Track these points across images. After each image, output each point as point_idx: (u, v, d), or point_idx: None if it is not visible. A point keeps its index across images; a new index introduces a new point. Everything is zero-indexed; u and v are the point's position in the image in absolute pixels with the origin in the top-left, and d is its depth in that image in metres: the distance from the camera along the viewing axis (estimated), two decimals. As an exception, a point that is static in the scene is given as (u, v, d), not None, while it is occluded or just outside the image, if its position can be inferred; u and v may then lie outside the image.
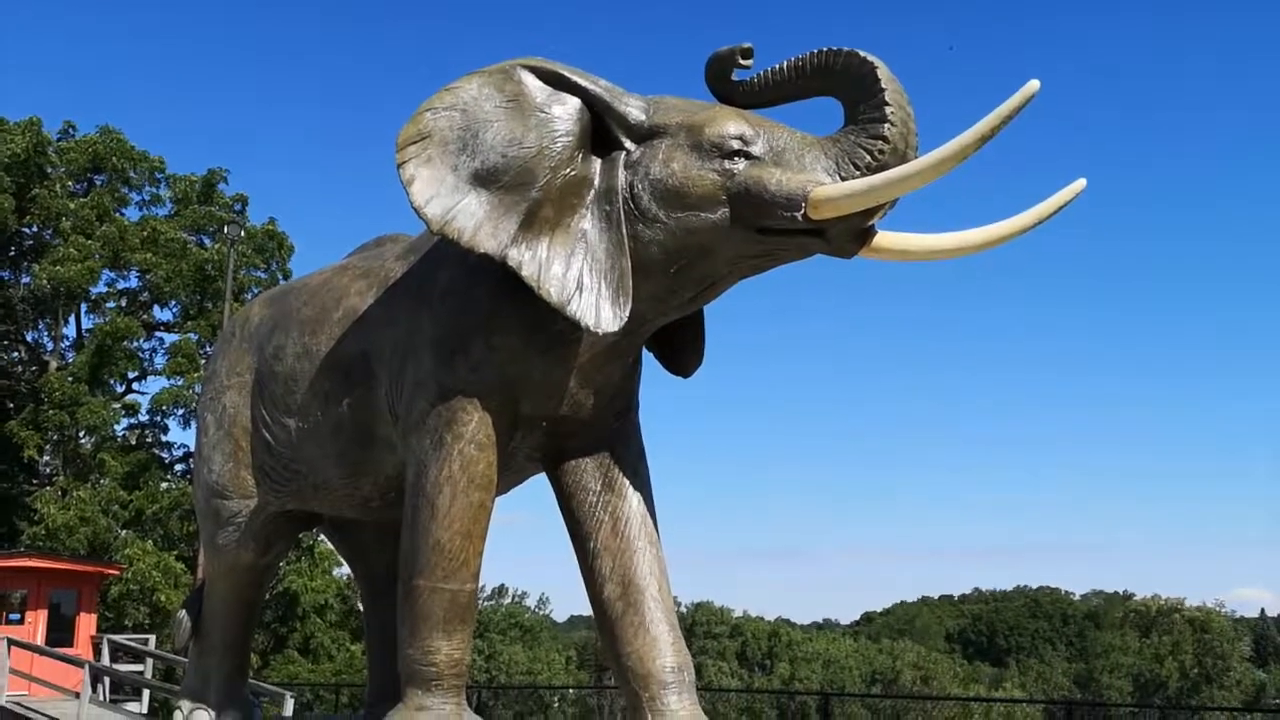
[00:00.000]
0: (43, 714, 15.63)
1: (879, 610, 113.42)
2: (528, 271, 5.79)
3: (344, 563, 37.67)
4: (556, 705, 33.85)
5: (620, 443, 6.56)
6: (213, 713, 7.58)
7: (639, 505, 6.41)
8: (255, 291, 35.71)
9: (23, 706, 16.13)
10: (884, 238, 5.80)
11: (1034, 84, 5.20)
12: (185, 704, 7.74)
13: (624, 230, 5.83)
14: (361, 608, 8.35)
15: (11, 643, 16.79)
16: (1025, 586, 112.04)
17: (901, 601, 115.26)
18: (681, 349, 6.76)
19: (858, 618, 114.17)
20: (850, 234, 5.66)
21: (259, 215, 41.78)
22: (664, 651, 6.03)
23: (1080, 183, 5.74)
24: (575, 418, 6.39)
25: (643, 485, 6.51)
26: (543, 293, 5.76)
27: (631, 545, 6.26)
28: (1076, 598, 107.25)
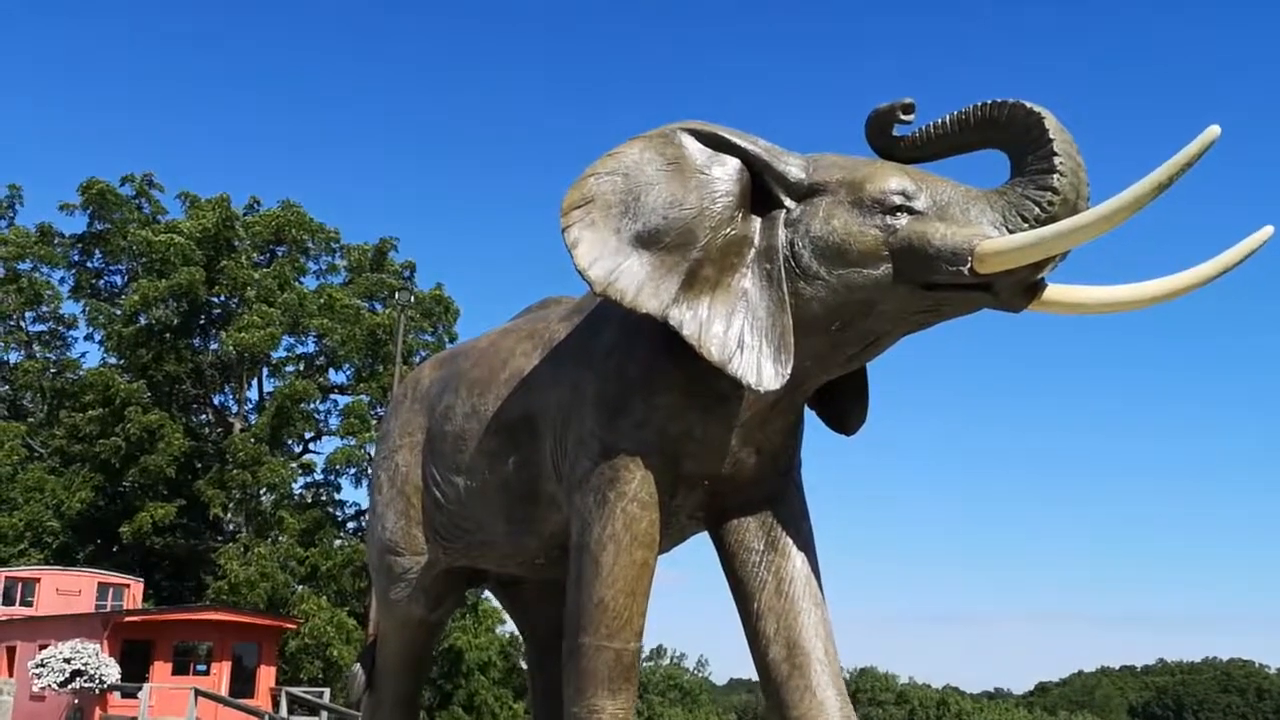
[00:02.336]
0: (225, 762, 16.29)
1: (1055, 680, 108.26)
2: (689, 330, 5.83)
3: (507, 620, 38.29)
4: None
5: (783, 502, 6.49)
6: (385, 765, 7.75)
7: (803, 565, 6.31)
8: (423, 354, 37.02)
9: (207, 755, 16.85)
10: (1054, 291, 5.64)
11: (1214, 130, 5.00)
12: (359, 756, 7.95)
13: (785, 288, 5.82)
14: (525, 665, 8.45)
15: (199, 693, 17.58)
16: (1215, 658, 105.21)
17: (1079, 671, 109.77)
18: (844, 406, 6.69)
19: (1031, 688, 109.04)
20: (1019, 288, 5.52)
21: (426, 281, 43.44)
22: (832, 715, 5.89)
23: (1267, 230, 5.46)
24: (737, 476, 6.36)
25: (806, 545, 6.41)
26: (704, 351, 5.79)
27: (796, 606, 6.16)
28: (1273, 671, 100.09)
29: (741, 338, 5.82)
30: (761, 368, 5.74)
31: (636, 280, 5.94)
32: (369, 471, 36.92)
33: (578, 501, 6.37)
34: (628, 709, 6.27)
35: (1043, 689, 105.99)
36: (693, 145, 6.15)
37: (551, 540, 6.93)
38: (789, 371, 5.73)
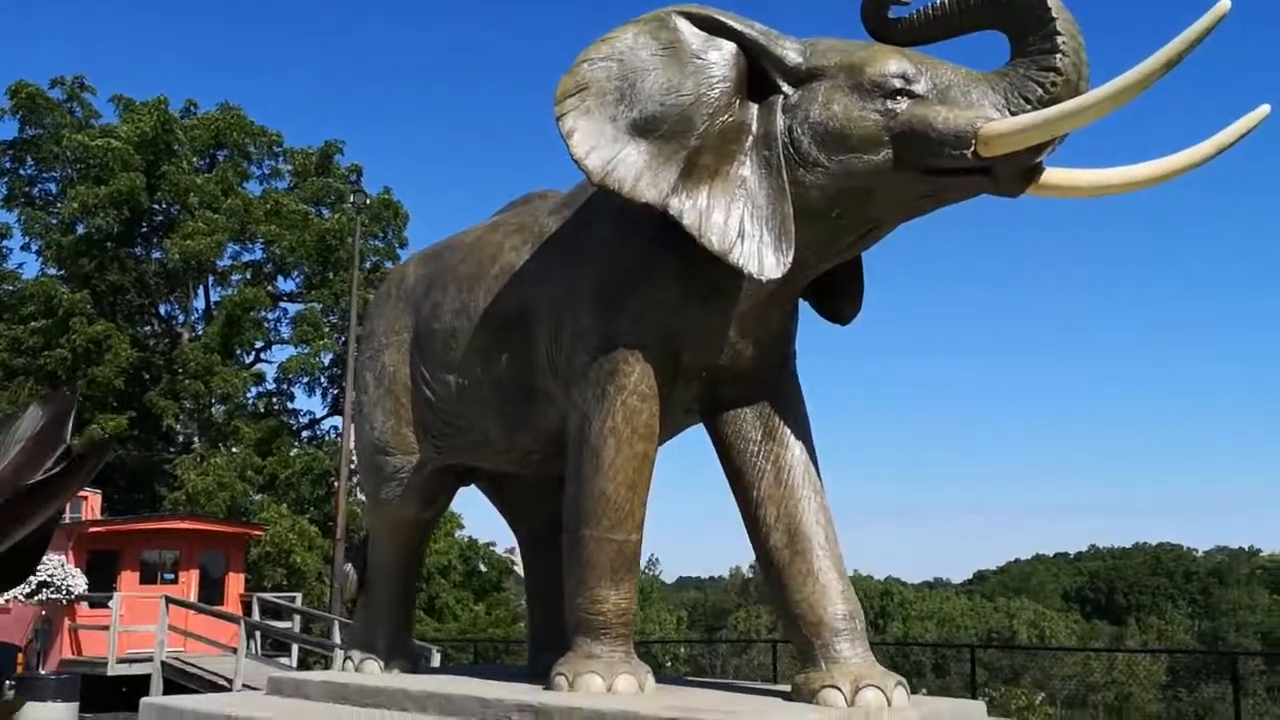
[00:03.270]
0: (202, 668, 16.36)
1: (992, 569, 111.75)
2: (689, 220, 5.77)
3: (466, 524, 38.38)
4: (669, 664, 34.18)
5: (779, 391, 6.52)
6: (382, 662, 7.81)
7: (801, 453, 6.37)
8: (373, 260, 36.53)
9: (182, 661, 16.90)
10: (1052, 174, 5.64)
11: (1225, 4, 4.96)
12: (355, 654, 7.99)
13: (784, 175, 5.77)
14: (519, 561, 8.51)
15: (169, 600, 17.57)
16: (1145, 543, 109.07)
17: (1016, 560, 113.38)
18: (839, 295, 6.70)
19: (970, 576, 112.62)
20: (1017, 172, 5.51)
21: (374, 185, 42.66)
22: (834, 599, 6.00)
23: (1264, 109, 5.47)
24: (735, 368, 6.38)
25: (804, 433, 6.47)
26: (704, 241, 5.74)
27: (796, 493, 6.23)
28: (1200, 554, 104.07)
29: (742, 226, 5.77)
30: (763, 256, 5.71)
31: (634, 169, 5.86)
32: (324, 380, 36.70)
33: (575, 396, 6.36)
34: (630, 599, 6.35)
35: (980, 577, 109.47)
36: (688, 29, 6.02)
37: (547, 436, 6.92)
38: (790, 260, 5.71)
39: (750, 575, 61.99)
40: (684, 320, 6.19)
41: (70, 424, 1.62)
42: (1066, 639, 59.48)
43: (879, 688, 5.67)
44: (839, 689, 5.68)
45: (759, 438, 6.39)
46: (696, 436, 7.07)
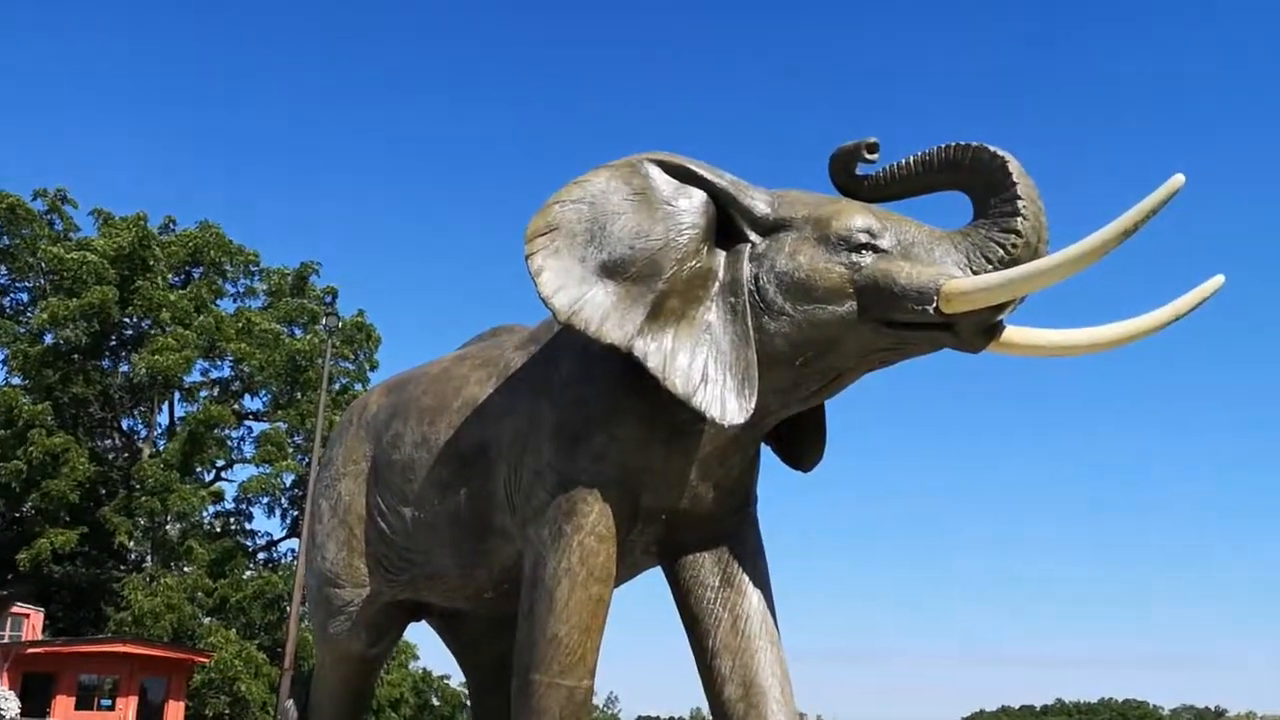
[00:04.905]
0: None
1: (958, 719, 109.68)
2: (653, 363, 5.79)
3: (421, 656, 37.42)
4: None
5: (739, 538, 6.46)
6: (319, 805, 7.48)
7: (759, 603, 6.27)
8: (343, 382, 36.40)
9: (111, 794, 16.16)
10: (1013, 333, 5.72)
11: (1179, 178, 5.13)
12: (292, 795, 7.66)
13: (749, 322, 5.83)
14: (468, 701, 8.23)
15: (103, 729, 16.88)
16: (1112, 699, 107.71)
17: (980, 711, 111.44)
18: (801, 443, 6.69)
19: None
20: (979, 328, 5.59)
21: (348, 308, 42.80)
22: (788, 756, 5.84)
23: (1218, 279, 5.61)
24: (694, 511, 6.32)
25: (762, 582, 6.38)
26: (668, 384, 5.75)
27: (753, 644, 6.11)
28: (1166, 712, 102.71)
29: (706, 371, 5.80)
30: (726, 402, 5.72)
31: (601, 310, 5.89)
32: (285, 501, 36.12)
33: (532, 534, 6.26)
34: (580, 748, 6.14)
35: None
36: (659, 176, 6.14)
37: (502, 574, 6.79)
38: (753, 406, 5.72)
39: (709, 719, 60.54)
40: (646, 460, 6.15)
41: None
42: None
43: None
44: None
45: (717, 584, 6.29)
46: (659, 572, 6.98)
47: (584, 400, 6.26)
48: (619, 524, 6.15)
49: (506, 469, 6.55)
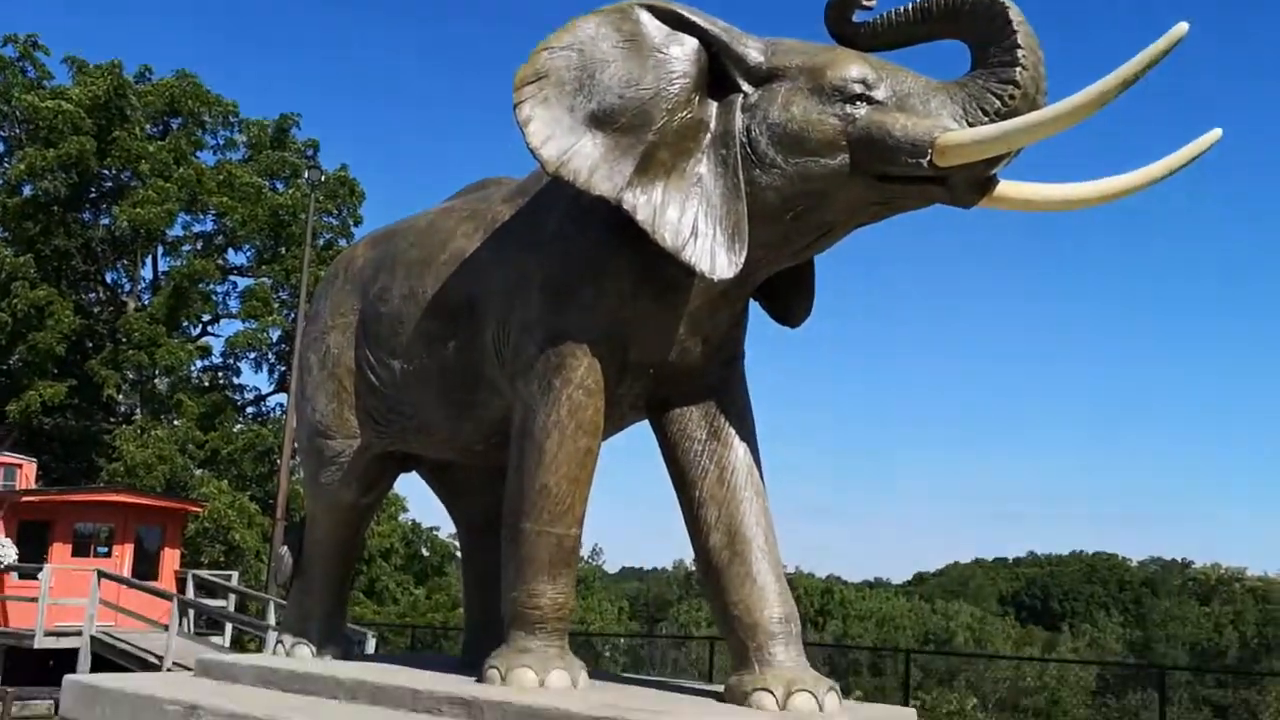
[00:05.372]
0: (132, 644, 16.09)
1: (932, 571, 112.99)
2: (642, 216, 5.74)
3: (410, 508, 38.14)
4: (608, 654, 34.23)
5: (726, 392, 6.51)
6: (314, 648, 7.70)
7: (745, 455, 6.36)
8: (326, 238, 36.11)
9: (112, 636, 16.62)
10: (1007, 187, 5.67)
11: (1182, 26, 5.00)
12: (287, 638, 7.87)
13: (740, 175, 5.75)
14: (459, 552, 8.40)
15: (101, 574, 17.26)
16: (1081, 551, 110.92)
17: (955, 563, 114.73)
18: (790, 298, 6.69)
19: (910, 577, 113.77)
20: (972, 183, 5.54)
21: (330, 162, 42.14)
22: (771, 602, 6.00)
23: (1215, 133, 5.54)
24: (682, 365, 6.35)
25: (749, 435, 6.46)
26: (657, 237, 5.71)
27: (738, 495, 6.22)
28: (1134, 564, 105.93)
29: (695, 224, 5.75)
30: (715, 255, 5.69)
31: (590, 161, 5.81)
32: (272, 357, 36.24)
33: (521, 388, 6.30)
34: (567, 594, 6.31)
35: (920, 579, 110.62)
36: (651, 22, 5.97)
37: (491, 427, 6.85)
38: (742, 260, 5.69)
39: (693, 569, 62.28)
40: (635, 314, 6.15)
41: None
42: (1003, 643, 60.33)
43: (811, 693, 5.68)
44: (771, 692, 5.68)
45: (704, 437, 6.36)
46: (644, 427, 7.06)
47: (572, 253, 6.22)
48: (607, 378, 6.19)
49: (495, 323, 6.55)
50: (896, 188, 5.65)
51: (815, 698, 5.65)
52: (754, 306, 6.75)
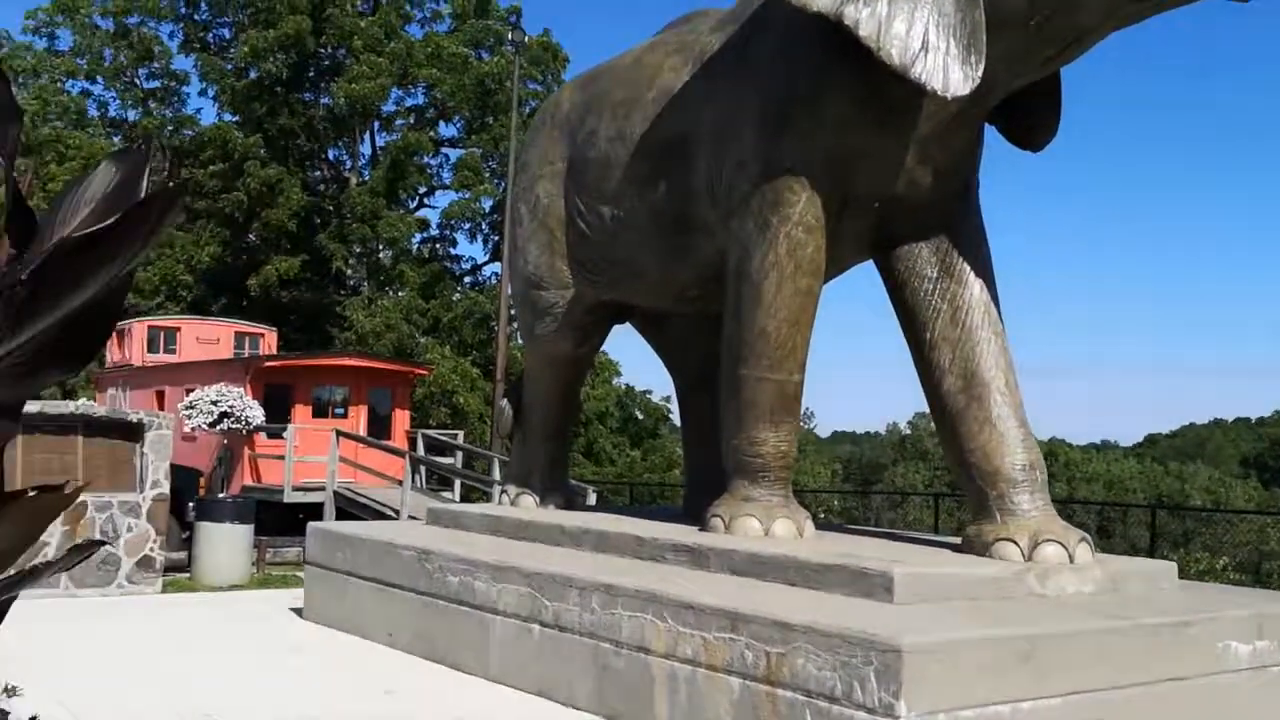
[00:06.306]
0: (370, 498, 17.02)
1: (1165, 432, 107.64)
2: (865, 31, 5.22)
3: (624, 372, 38.65)
4: (822, 515, 34.20)
5: (959, 224, 5.99)
6: (537, 497, 7.80)
7: (981, 292, 5.87)
8: (532, 105, 36.27)
9: (352, 491, 17.63)
10: None
11: None
12: (511, 488, 8.00)
13: None
14: (676, 409, 8.27)
15: (340, 434, 18.25)
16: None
17: (1190, 424, 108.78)
18: (1031, 117, 6.06)
19: (1140, 440, 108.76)
20: None
21: (533, 27, 42.09)
22: (1013, 447, 5.57)
23: None
24: (911, 197, 5.86)
25: (985, 270, 5.95)
26: (883, 55, 5.19)
27: (974, 335, 5.76)
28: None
29: (926, 37, 5.19)
30: (949, 71, 5.14)
31: None
32: (485, 227, 37.11)
33: (736, 227, 5.98)
34: (790, 441, 6.07)
35: (1151, 440, 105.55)
36: None
37: (705, 270, 6.59)
38: (979, 75, 5.13)
39: (908, 431, 61.27)
40: (857, 143, 5.69)
41: (146, 180, 1.33)
42: (1244, 505, 57.11)
43: (1060, 543, 5.28)
44: (1015, 542, 5.31)
45: (935, 275, 5.90)
46: (857, 274, 6.65)
47: (788, 80, 5.78)
48: (828, 213, 5.80)
49: (707, 160, 6.22)
50: None
51: (1065, 548, 5.25)
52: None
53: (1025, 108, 5.97)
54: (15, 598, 1.36)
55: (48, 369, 1.25)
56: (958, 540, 5.88)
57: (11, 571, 1.30)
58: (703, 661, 4.75)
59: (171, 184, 1.29)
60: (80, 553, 1.37)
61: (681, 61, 6.55)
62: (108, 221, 1.21)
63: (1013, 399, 5.70)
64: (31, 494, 1.20)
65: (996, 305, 5.93)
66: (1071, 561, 5.24)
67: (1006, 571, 5.11)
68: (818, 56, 5.69)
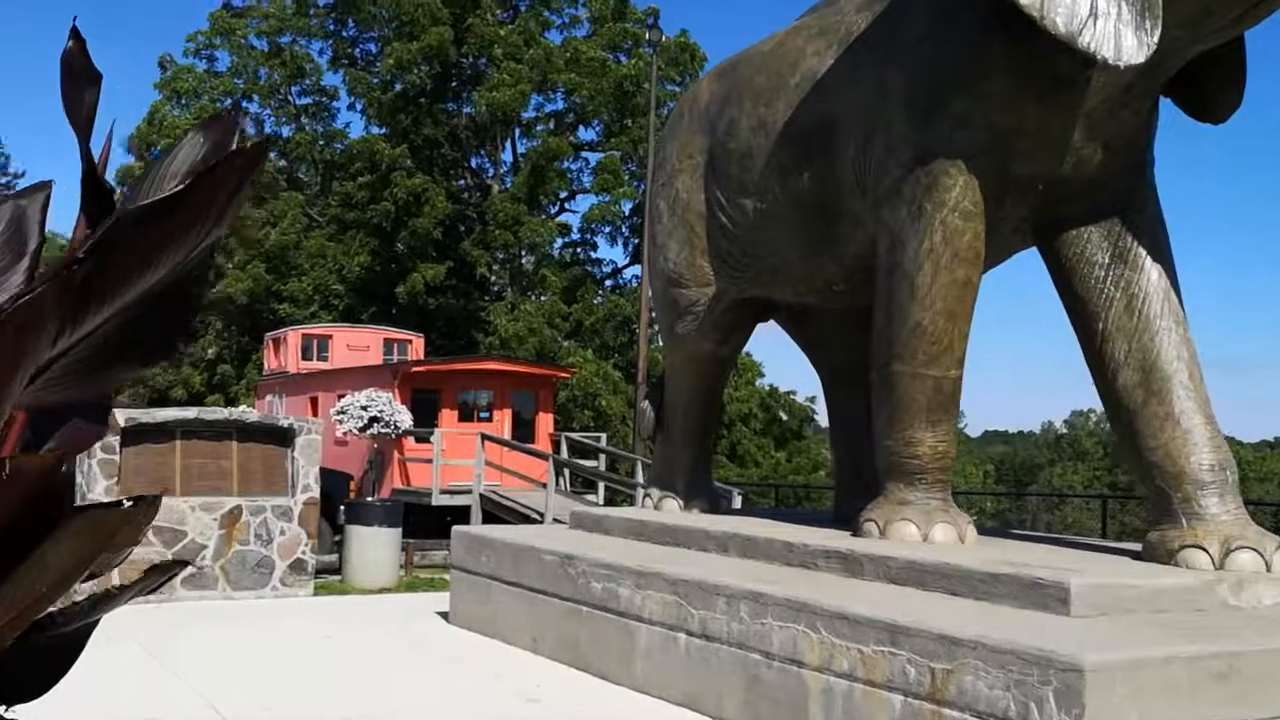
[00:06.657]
0: (515, 501, 17.12)
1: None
2: (1026, 0, 4.85)
3: (767, 373, 38.26)
4: (975, 518, 33.03)
5: (1132, 206, 5.54)
6: (681, 501, 7.59)
7: (1159, 279, 5.41)
8: (671, 106, 36.18)
9: (498, 494, 17.77)
10: None
11: None
12: (654, 492, 7.82)
13: None
14: (821, 410, 7.98)
15: (485, 437, 18.43)
16: None
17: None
18: (1212, 87, 5.56)
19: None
20: None
21: (670, 28, 42.02)
22: (1200, 446, 5.10)
23: None
24: (1078, 178, 5.44)
25: (1162, 255, 5.48)
26: (1047, 23, 4.80)
27: (1152, 325, 5.31)
28: None
29: (1094, 3, 4.78)
30: (1121, 38, 4.72)
31: None
32: (625, 230, 37.21)
33: (887, 216, 5.66)
34: (948, 441, 5.72)
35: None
36: None
37: (853, 262, 6.28)
38: (1155, 41, 4.70)
39: (1064, 430, 59.02)
40: (1017, 121, 5.31)
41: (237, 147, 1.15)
42: None
43: (1255, 550, 4.80)
44: (1204, 549, 4.85)
45: (1107, 260, 5.46)
46: (1016, 263, 6.24)
47: (941, 57, 5.43)
48: (986, 198, 5.43)
49: (854, 146, 5.91)
50: None
51: (1261, 555, 4.77)
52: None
53: (1205, 76, 5.48)
54: (97, 622, 1.21)
55: (118, 364, 1.09)
56: (1135, 547, 5.42)
57: (80, 594, 1.14)
58: (860, 676, 4.46)
59: (254, 144, 1.11)
60: (160, 573, 1.22)
61: (825, 45, 6.26)
62: (178, 186, 1.03)
63: (1198, 393, 5.22)
64: (101, 508, 1.04)
65: (1177, 292, 5.46)
66: (1269, 570, 4.75)
67: (1196, 581, 4.66)
68: (972, 31, 5.34)
